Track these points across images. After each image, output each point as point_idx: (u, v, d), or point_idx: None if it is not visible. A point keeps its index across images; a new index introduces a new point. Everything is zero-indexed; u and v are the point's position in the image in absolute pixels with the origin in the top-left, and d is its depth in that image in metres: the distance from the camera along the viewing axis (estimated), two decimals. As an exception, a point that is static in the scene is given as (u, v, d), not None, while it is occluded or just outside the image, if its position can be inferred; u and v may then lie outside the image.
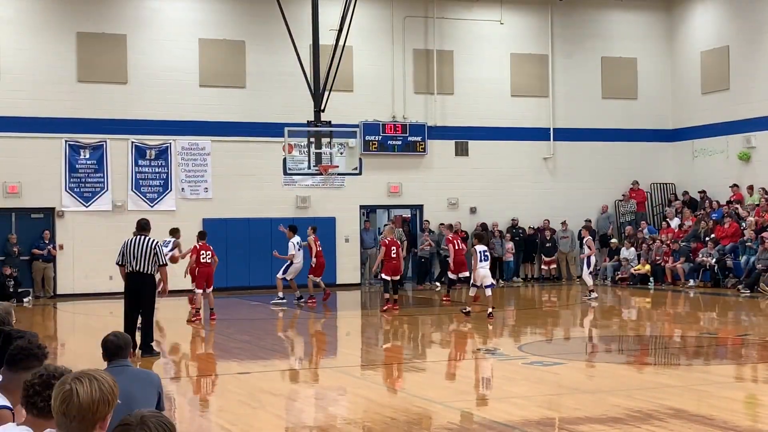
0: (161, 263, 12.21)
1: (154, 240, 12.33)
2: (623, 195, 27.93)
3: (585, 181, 27.80)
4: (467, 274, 18.05)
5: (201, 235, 17.59)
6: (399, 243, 19.23)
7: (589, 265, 20.20)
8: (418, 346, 14.30)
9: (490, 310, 16.50)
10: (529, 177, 27.36)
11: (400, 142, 25.89)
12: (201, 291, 16.87)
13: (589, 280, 20.31)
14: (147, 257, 12.03)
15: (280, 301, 19.83)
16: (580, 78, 27.94)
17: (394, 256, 18.10)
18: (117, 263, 12.31)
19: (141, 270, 12.04)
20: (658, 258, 24.84)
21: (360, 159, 22.57)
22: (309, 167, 20.91)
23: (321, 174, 21.60)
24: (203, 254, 17.00)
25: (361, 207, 26.20)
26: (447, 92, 26.72)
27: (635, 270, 25.03)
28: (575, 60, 27.93)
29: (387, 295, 18.19)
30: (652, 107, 28.49)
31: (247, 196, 24.67)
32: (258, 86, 25.01)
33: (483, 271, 16.75)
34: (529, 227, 27.09)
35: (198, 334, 15.84)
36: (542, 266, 26.98)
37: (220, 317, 17.57)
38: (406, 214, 28.70)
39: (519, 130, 27.27)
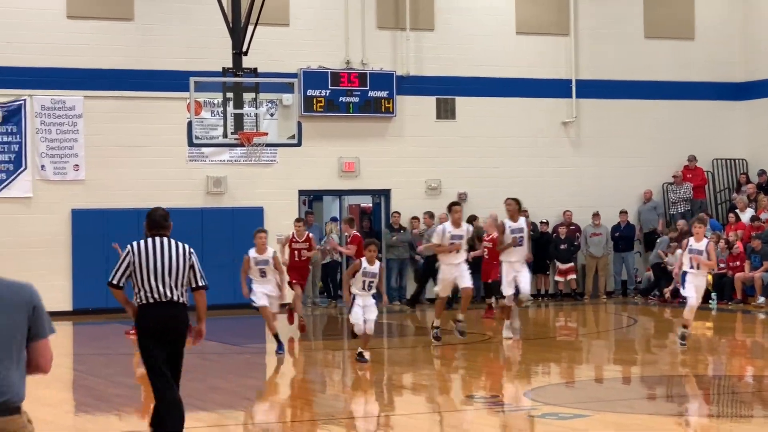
0: (199, 285, 10.02)
1: (186, 246, 10.06)
2: (674, 176, 28.14)
3: (621, 156, 27.97)
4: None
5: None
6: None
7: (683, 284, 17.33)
8: (383, 393, 14.32)
9: (360, 350, 15.96)
10: (542, 150, 27.47)
11: (357, 99, 25.87)
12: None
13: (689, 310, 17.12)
14: (179, 275, 9.89)
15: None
16: (614, 9, 28.07)
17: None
18: (113, 284, 9.90)
19: (171, 298, 9.86)
20: (723, 265, 25.06)
21: (299, 124, 22.50)
22: (225, 135, 20.79)
23: (242, 145, 21.49)
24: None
25: (301, 193, 26.13)
26: (425, 27, 26.71)
27: (691, 282, 25.19)
28: (607, -17, 28.08)
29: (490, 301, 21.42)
30: (715, 51, 28.70)
31: (135, 177, 24.51)
32: (151, 18, 24.83)
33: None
34: (542, 222, 27.20)
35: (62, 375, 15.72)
36: (556, 277, 27.15)
37: (93, 353, 17.40)
38: (366, 203, 28.66)
39: (528, 82, 27.35)
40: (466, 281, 17.29)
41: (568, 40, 27.72)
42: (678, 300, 24.99)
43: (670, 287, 25.43)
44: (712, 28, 28.71)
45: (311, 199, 28.07)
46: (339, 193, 27.22)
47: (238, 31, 21.14)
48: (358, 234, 21.27)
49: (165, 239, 9.91)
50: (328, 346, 19.66)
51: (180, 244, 9.96)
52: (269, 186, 25.33)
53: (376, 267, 15.63)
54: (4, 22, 23.89)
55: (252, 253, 17.23)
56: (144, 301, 9.78)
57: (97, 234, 24.01)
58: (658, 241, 26.44)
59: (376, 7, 26.38)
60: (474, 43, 26.98)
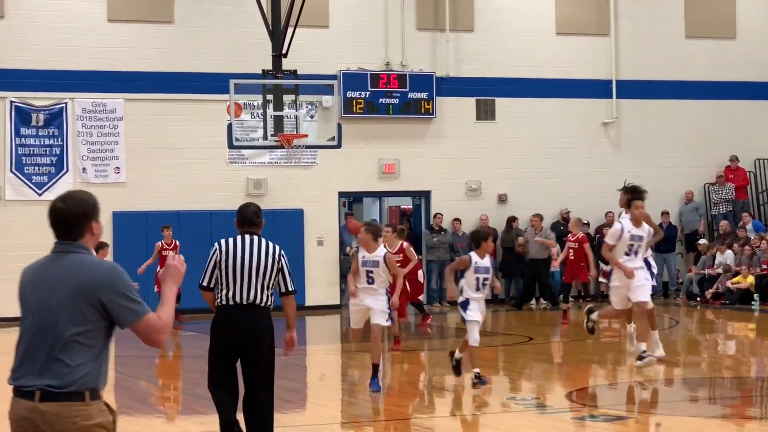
0: (289, 289, 9.55)
1: (276, 247, 9.53)
2: (717, 176, 27.96)
3: (662, 157, 27.84)
4: None
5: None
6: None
7: None
8: (423, 394, 14.31)
9: (477, 370, 13.58)
10: (582, 151, 27.37)
11: (396, 101, 25.87)
12: None
13: None
14: (265, 277, 9.35)
15: None
16: (655, 8, 27.93)
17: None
18: (204, 286, 9.44)
19: (254, 300, 9.30)
20: (765, 266, 24.86)
21: (339, 125, 22.50)
22: (265, 137, 20.82)
23: (282, 147, 21.52)
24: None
25: (341, 195, 26.15)
26: (464, 29, 26.68)
27: (733, 284, 25.04)
28: (648, -18, 27.97)
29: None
30: (757, 50, 28.51)
31: (175, 180, 24.61)
32: (191, 21, 24.94)
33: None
34: (583, 223, 27.05)
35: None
36: (600, 279, 27.00)
37: (135, 354, 17.55)
38: (406, 204, 28.67)
39: (567, 83, 27.27)
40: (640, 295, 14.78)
41: (608, 40, 27.61)
42: (719, 302, 24.84)
43: (713, 289, 25.29)
44: (753, 27, 28.53)
45: (351, 200, 28.10)
46: (379, 195, 27.22)
47: (277, 33, 21.17)
48: (406, 243, 20.76)
49: (255, 237, 9.40)
50: (364, 348, 19.63)
51: (271, 244, 9.42)
52: (309, 188, 25.37)
53: (487, 261, 13.24)
54: (46, 26, 24.07)
55: (360, 250, 13.77)
56: (224, 302, 9.19)
57: (138, 236, 24.12)
58: (700, 259, 26.23)
59: (415, 9, 26.38)
60: (513, 43, 26.93)
